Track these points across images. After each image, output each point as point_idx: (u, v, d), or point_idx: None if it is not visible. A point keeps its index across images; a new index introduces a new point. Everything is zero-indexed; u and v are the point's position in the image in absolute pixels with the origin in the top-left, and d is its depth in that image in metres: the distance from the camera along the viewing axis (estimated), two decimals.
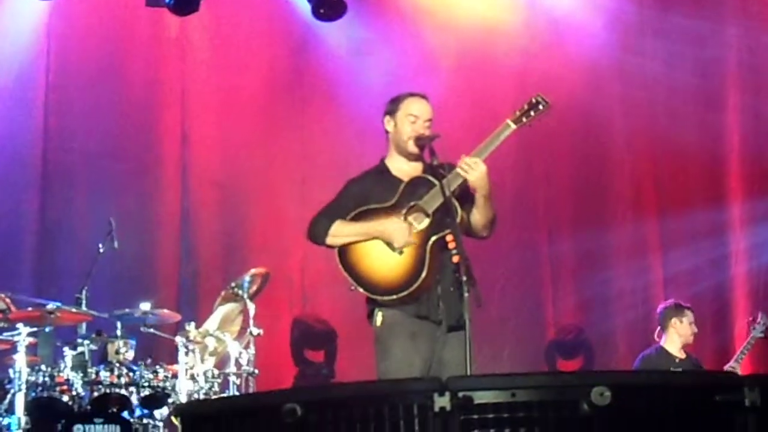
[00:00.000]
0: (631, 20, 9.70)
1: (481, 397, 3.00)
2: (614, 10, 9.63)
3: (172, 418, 7.06)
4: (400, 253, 5.06)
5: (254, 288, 7.53)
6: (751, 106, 9.67)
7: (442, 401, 2.96)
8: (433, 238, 5.02)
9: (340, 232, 5.17)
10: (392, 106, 5.34)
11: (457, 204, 5.01)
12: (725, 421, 3.09)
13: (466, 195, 5.15)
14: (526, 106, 5.11)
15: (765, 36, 9.64)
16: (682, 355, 7.86)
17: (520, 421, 2.99)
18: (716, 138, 9.71)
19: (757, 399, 3.08)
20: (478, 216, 5.16)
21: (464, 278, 4.74)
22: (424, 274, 5.01)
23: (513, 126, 5.07)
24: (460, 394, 2.98)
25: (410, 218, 5.10)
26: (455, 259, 4.86)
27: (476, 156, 5.02)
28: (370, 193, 5.23)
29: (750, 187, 9.67)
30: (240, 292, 7.48)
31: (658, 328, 8.01)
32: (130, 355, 7.25)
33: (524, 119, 5.09)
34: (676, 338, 7.89)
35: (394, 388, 3.13)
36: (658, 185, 9.83)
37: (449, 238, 4.94)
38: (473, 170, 4.97)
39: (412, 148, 5.24)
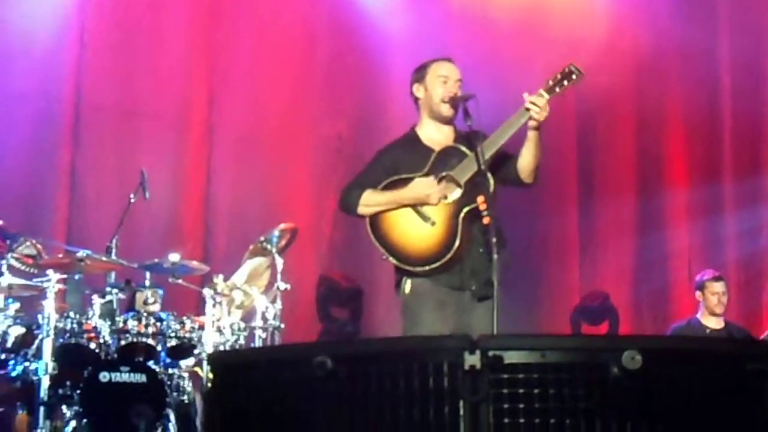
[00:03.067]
0: None
1: (511, 357, 2.99)
2: None
3: (198, 369, 7.14)
4: (432, 224, 5.05)
5: (283, 243, 7.56)
6: None
7: (472, 359, 2.95)
8: (466, 209, 5.01)
9: (371, 201, 5.16)
10: (420, 73, 5.32)
11: (489, 174, 4.98)
12: (755, 390, 3.08)
13: (499, 163, 5.11)
14: (559, 76, 5.03)
15: None
16: (718, 325, 7.89)
17: (549, 382, 2.98)
18: (751, 110, 9.61)
19: None
20: (527, 159, 5.10)
21: (494, 240, 4.72)
22: (456, 245, 5.00)
23: (546, 95, 5.00)
24: (491, 353, 2.97)
25: (442, 186, 5.09)
26: (485, 220, 4.84)
27: (508, 126, 4.98)
28: (401, 163, 5.21)
29: None
30: (268, 246, 7.51)
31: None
32: (158, 305, 7.31)
33: (557, 89, 5.02)
34: (704, 310, 7.96)
35: (425, 345, 3.13)
36: (691, 156, 9.76)
37: (480, 199, 4.90)
38: (543, 110, 4.91)
39: (447, 110, 5.21)
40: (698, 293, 8.00)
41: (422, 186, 5.06)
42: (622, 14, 9.56)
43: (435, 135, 5.28)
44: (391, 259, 5.10)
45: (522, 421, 2.95)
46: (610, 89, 9.16)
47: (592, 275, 9.65)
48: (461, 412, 2.94)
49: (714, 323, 7.90)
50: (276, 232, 7.53)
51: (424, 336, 4.49)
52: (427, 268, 5.03)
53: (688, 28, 9.47)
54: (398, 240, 5.10)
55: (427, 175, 5.10)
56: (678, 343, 3.49)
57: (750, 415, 3.06)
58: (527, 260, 8.95)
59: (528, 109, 4.93)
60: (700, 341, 4.38)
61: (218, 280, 7.23)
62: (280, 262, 7.42)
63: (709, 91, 9.72)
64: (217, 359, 3.33)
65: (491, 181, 4.96)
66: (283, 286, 7.34)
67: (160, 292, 7.28)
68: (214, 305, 7.11)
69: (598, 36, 9.35)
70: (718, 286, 7.95)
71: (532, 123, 4.97)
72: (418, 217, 5.07)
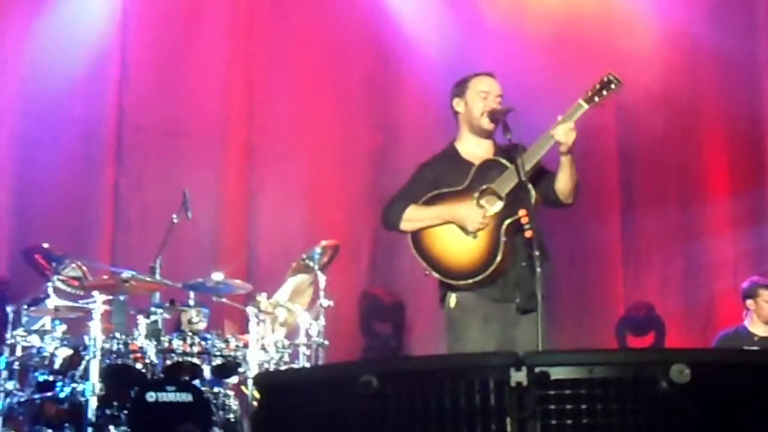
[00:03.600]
0: None
1: (558, 373, 2.97)
2: None
3: (243, 388, 7.16)
4: (474, 237, 5.04)
5: (325, 259, 7.57)
6: None
7: (518, 376, 2.93)
8: (507, 221, 5.00)
9: (414, 216, 5.17)
10: (460, 88, 5.34)
11: (530, 186, 4.96)
12: None
13: (539, 175, 5.10)
14: (597, 86, 5.04)
15: None
16: (766, 333, 7.78)
17: (597, 398, 2.95)
18: None
19: None
20: (563, 182, 5.10)
21: (536, 253, 4.70)
22: (499, 258, 4.98)
23: (585, 106, 5.01)
24: (537, 369, 2.95)
25: (483, 201, 5.08)
26: (528, 234, 4.82)
27: (548, 137, 4.97)
28: (442, 178, 5.22)
29: None
30: (311, 263, 7.52)
31: (744, 308, 7.97)
32: (203, 324, 7.35)
33: (596, 98, 5.03)
34: (754, 317, 7.85)
35: (471, 362, 3.11)
36: (733, 164, 9.66)
37: (522, 212, 4.88)
38: (568, 136, 4.92)
39: (487, 124, 5.22)
40: (749, 301, 7.86)
41: (467, 211, 5.05)
42: (659, 23, 9.47)
43: (475, 149, 5.29)
44: (433, 273, 5.10)
45: None
46: (649, 98, 9.09)
47: (637, 286, 9.56)
48: (508, 429, 2.93)
49: (762, 331, 7.79)
50: (318, 249, 7.54)
51: (470, 353, 4.47)
52: (470, 281, 5.03)
53: (727, 34, 9.38)
54: (440, 254, 5.10)
55: (467, 188, 5.10)
56: (727, 356, 3.45)
57: None
58: (571, 273, 8.91)
59: (556, 133, 4.93)
60: (749, 353, 4.33)
61: (261, 298, 7.26)
62: (322, 278, 7.42)
63: (749, 97, 9.61)
64: (263, 379, 3.34)
65: (532, 194, 4.95)
66: (326, 302, 7.35)
67: (205, 311, 7.32)
68: (257, 323, 7.13)
69: (636, 46, 9.28)
70: None
71: (562, 148, 4.97)
72: (459, 231, 5.07)
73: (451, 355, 4.23)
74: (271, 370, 6.96)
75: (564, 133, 4.92)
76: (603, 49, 9.17)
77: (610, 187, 9.57)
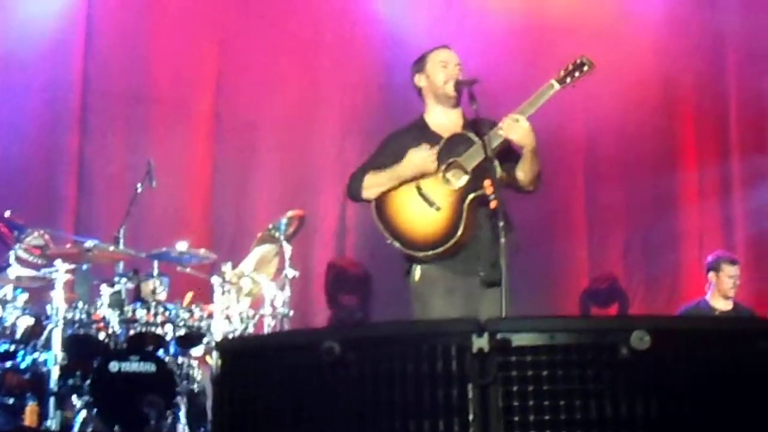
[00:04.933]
0: None
1: (520, 340, 2.97)
2: None
3: (207, 358, 7.14)
4: (437, 209, 5.06)
5: (291, 230, 7.55)
6: None
7: (480, 342, 2.94)
8: (471, 196, 5.01)
9: (373, 182, 5.18)
10: (419, 64, 5.38)
11: (497, 162, 4.97)
12: (767, 368, 3.06)
13: (507, 152, 5.11)
14: (570, 66, 5.10)
15: None
16: (726, 307, 7.85)
17: (558, 364, 2.96)
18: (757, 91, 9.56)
19: None
20: (523, 171, 5.13)
21: (501, 224, 4.71)
22: (461, 230, 5.00)
23: (557, 86, 5.06)
24: (499, 336, 2.95)
25: (448, 174, 5.08)
26: (492, 204, 4.83)
27: (520, 113, 4.99)
28: (408, 149, 5.21)
29: None
30: (276, 233, 7.50)
31: (707, 282, 8.03)
32: (165, 294, 7.31)
33: (568, 79, 5.08)
34: (716, 291, 7.91)
35: (433, 328, 3.11)
36: (698, 134, 9.72)
37: (487, 183, 4.90)
38: (515, 129, 4.94)
39: (451, 90, 5.22)
40: (711, 274, 7.93)
41: (417, 155, 5.06)
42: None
43: (443, 119, 5.29)
44: (395, 243, 5.10)
45: (531, 403, 2.94)
46: (615, 73, 9.11)
47: (601, 258, 9.60)
48: (470, 395, 2.93)
49: (723, 305, 7.86)
50: (284, 219, 7.52)
51: (432, 320, 4.48)
52: (430, 252, 5.04)
53: (695, 8, 9.44)
54: (403, 224, 5.11)
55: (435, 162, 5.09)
56: (687, 323, 3.46)
57: (762, 394, 3.04)
58: (534, 244, 8.90)
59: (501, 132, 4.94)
60: (709, 320, 4.37)
61: (226, 268, 7.23)
62: (288, 249, 7.40)
63: (716, 70, 9.66)
64: (226, 346, 3.34)
65: (498, 169, 4.96)
66: (291, 273, 7.33)
67: (166, 280, 7.28)
68: (222, 293, 7.11)
69: (603, 26, 9.30)
70: (734, 269, 7.90)
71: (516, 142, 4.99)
72: (423, 202, 5.08)
73: (413, 322, 4.24)
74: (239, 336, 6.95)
75: (519, 137, 4.94)
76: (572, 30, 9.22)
77: (575, 156, 9.59)
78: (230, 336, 6.97)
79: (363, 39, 9.33)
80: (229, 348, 3.27)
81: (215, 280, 7.13)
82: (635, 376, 2.97)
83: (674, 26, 9.46)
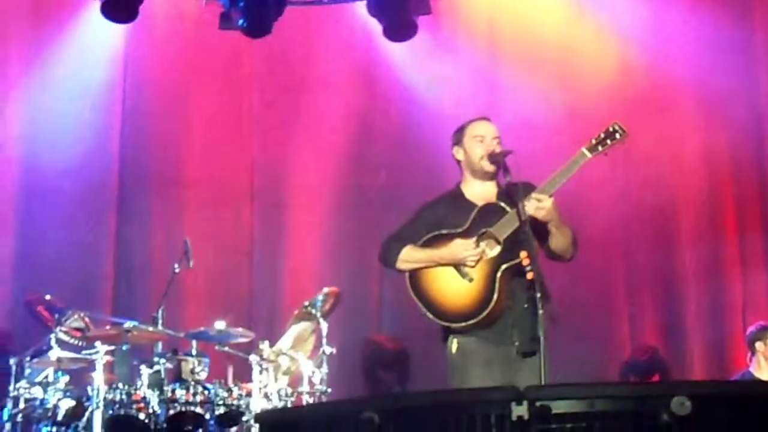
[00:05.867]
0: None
1: (559, 407, 2.98)
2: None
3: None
4: (470, 280, 5.07)
5: (327, 307, 7.57)
6: None
7: (519, 410, 2.94)
8: (504, 266, 5.01)
9: (411, 257, 5.21)
10: (457, 136, 5.41)
11: (530, 231, 4.97)
12: None
13: (540, 228, 5.12)
14: (602, 135, 5.09)
15: None
16: None
17: (598, 431, 2.96)
18: None
19: None
20: (554, 243, 5.16)
21: (538, 295, 4.71)
22: (494, 302, 5.00)
23: (589, 155, 5.06)
24: (538, 404, 2.96)
25: (481, 244, 5.10)
26: (529, 276, 4.82)
27: (550, 184, 4.99)
28: (443, 218, 5.26)
29: None
30: (313, 311, 7.51)
31: (749, 353, 7.91)
32: (205, 374, 7.32)
33: (600, 148, 5.08)
34: (762, 362, 7.77)
35: (472, 397, 3.12)
36: (738, 204, 9.66)
37: (523, 254, 4.89)
38: (538, 209, 4.96)
39: (487, 166, 5.25)
40: (758, 344, 7.81)
41: (460, 248, 5.09)
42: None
43: (478, 190, 5.33)
44: (429, 315, 5.11)
45: None
46: (650, 134, 9.15)
47: (642, 329, 9.51)
48: None
49: None
50: (320, 297, 7.55)
51: (471, 388, 4.46)
52: (464, 324, 5.05)
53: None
54: (436, 296, 5.13)
55: (467, 231, 5.12)
56: (728, 388, 3.44)
57: None
58: (574, 315, 8.86)
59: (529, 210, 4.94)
60: (750, 385, 4.31)
61: (264, 346, 7.25)
62: (324, 326, 7.41)
63: (755, 141, 9.64)
64: (265, 418, 3.34)
65: (532, 238, 4.96)
66: (328, 350, 7.33)
67: (206, 360, 7.30)
68: (260, 371, 7.13)
69: (636, 81, 9.36)
70: None
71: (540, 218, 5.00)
72: (456, 273, 5.09)
73: (453, 390, 4.23)
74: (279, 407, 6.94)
75: (543, 216, 4.96)
76: (604, 87, 9.28)
77: (615, 225, 9.54)
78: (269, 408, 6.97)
79: (397, 114, 9.40)
80: (268, 420, 3.28)
81: (253, 358, 7.15)
82: None
83: (709, 94, 9.46)
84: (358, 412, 2.96)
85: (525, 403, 2.95)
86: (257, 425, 3.24)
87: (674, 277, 9.49)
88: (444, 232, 5.18)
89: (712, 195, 9.65)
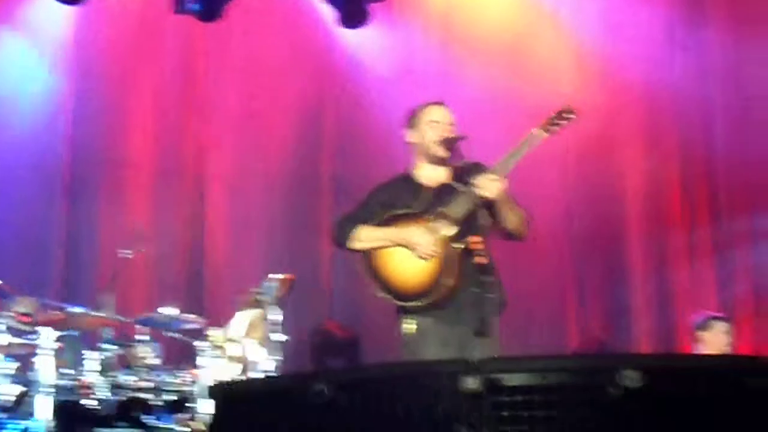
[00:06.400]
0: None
1: (511, 380, 2.98)
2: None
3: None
4: (425, 259, 5.08)
5: (279, 293, 7.51)
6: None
7: (471, 382, 2.94)
8: (458, 245, 5.05)
9: (365, 236, 5.22)
10: (412, 119, 5.43)
11: (484, 210, 5.02)
12: (755, 406, 3.07)
13: (494, 203, 5.16)
14: (553, 116, 5.18)
15: None
16: None
17: (550, 404, 2.97)
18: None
19: None
20: (508, 222, 5.20)
21: (489, 279, 4.74)
22: (447, 281, 5.05)
23: (539, 135, 5.13)
24: (490, 376, 2.96)
25: (436, 224, 5.12)
26: (480, 260, 4.86)
27: (503, 164, 5.04)
28: (397, 199, 5.29)
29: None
30: (265, 297, 7.47)
31: (694, 342, 7.99)
32: (153, 360, 7.26)
33: (551, 128, 5.15)
34: (707, 351, 7.85)
35: (424, 369, 3.12)
36: (686, 196, 9.77)
37: (475, 239, 4.93)
38: (490, 188, 4.98)
39: (440, 151, 5.28)
40: (701, 333, 7.89)
41: (415, 234, 5.09)
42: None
43: (431, 173, 5.36)
44: (383, 294, 5.12)
45: None
46: (605, 131, 9.23)
47: (590, 319, 9.58)
48: None
49: None
50: (273, 283, 7.49)
51: (423, 360, 4.48)
52: (418, 303, 5.07)
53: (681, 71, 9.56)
54: (391, 274, 5.15)
55: (422, 211, 5.14)
56: (678, 361, 3.48)
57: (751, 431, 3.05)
58: (520, 306, 8.89)
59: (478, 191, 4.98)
60: (700, 358, 4.36)
61: (214, 332, 7.21)
62: (276, 313, 7.38)
63: (703, 133, 9.76)
64: (218, 391, 3.32)
65: (485, 218, 5.00)
66: (280, 337, 7.30)
67: (156, 346, 7.24)
68: (210, 358, 7.08)
69: (589, 77, 9.43)
70: (726, 326, 7.90)
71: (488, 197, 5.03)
72: (411, 252, 5.10)
73: (404, 363, 4.24)
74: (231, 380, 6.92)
75: (487, 189, 4.98)
76: (555, 78, 9.35)
77: (562, 217, 9.61)
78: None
79: (350, 101, 9.39)
80: (221, 393, 3.26)
81: (203, 344, 7.11)
82: (627, 414, 2.97)
83: (660, 88, 9.56)
84: (310, 385, 2.95)
85: (477, 375, 2.95)
86: (211, 399, 3.21)
87: (621, 268, 9.58)
88: (399, 212, 5.21)
89: (660, 186, 9.75)
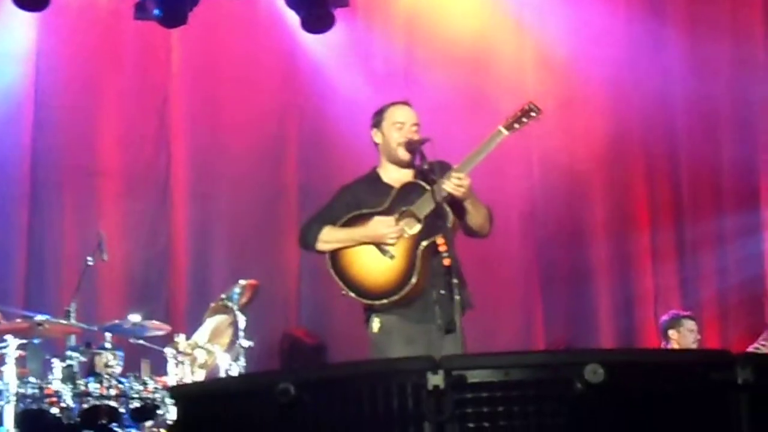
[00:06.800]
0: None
1: (475, 376, 2.99)
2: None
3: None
4: (391, 257, 5.12)
5: (244, 299, 7.50)
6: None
7: (435, 379, 2.94)
8: (424, 243, 5.08)
9: (330, 237, 5.23)
10: (377, 118, 5.43)
11: (448, 209, 5.05)
12: (719, 399, 3.09)
13: (457, 204, 5.18)
14: (518, 113, 5.22)
15: None
16: None
17: (514, 400, 2.97)
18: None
19: (750, 377, 3.08)
20: (472, 220, 5.22)
21: (455, 281, 4.77)
22: (414, 279, 5.06)
23: (505, 132, 5.17)
24: (454, 373, 2.97)
25: (401, 223, 5.16)
26: (446, 262, 4.91)
27: (468, 162, 5.07)
28: (362, 199, 5.31)
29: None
30: (230, 303, 7.45)
31: (663, 341, 8.05)
32: (119, 367, 7.22)
33: (516, 125, 5.20)
34: (676, 348, 7.91)
35: (388, 367, 3.13)
36: (650, 197, 9.83)
37: (440, 241, 4.98)
38: (457, 188, 5.01)
39: (403, 154, 5.31)
40: (671, 332, 7.96)
41: (380, 225, 5.14)
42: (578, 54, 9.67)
43: (395, 174, 5.38)
44: (350, 293, 5.14)
45: None
46: (569, 131, 9.29)
47: (556, 319, 9.61)
48: None
49: None
50: (237, 289, 7.48)
51: (387, 359, 4.49)
52: (385, 301, 5.10)
53: (647, 69, 9.63)
54: (357, 274, 5.17)
55: (387, 210, 5.17)
56: (640, 356, 3.50)
57: (716, 425, 3.07)
58: (486, 307, 8.91)
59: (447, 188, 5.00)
60: (663, 353, 4.39)
61: (180, 339, 7.19)
62: (242, 319, 7.36)
63: (667, 133, 9.83)
64: (181, 392, 3.31)
65: (450, 217, 5.03)
66: (245, 343, 7.28)
67: (121, 353, 7.20)
68: (176, 365, 7.06)
69: (553, 79, 9.49)
70: (694, 324, 7.98)
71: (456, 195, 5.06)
72: (377, 251, 5.13)
73: (369, 361, 4.24)
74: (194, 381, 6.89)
75: (461, 194, 5.01)
76: (518, 80, 9.41)
77: (530, 217, 9.63)
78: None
79: (315, 107, 9.39)
80: (184, 393, 3.25)
81: (169, 351, 7.08)
82: (591, 409, 2.99)
83: (623, 89, 9.63)
84: (275, 384, 2.94)
85: (441, 372, 2.95)
86: (172, 399, 3.19)
87: (586, 269, 9.62)
88: (364, 211, 5.25)
89: (624, 187, 9.81)
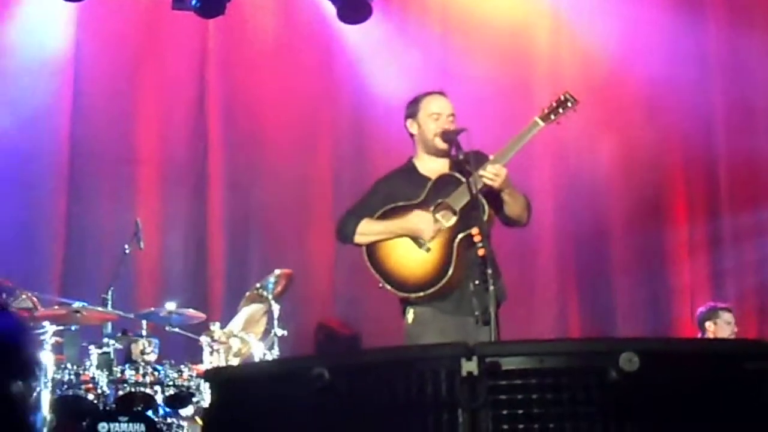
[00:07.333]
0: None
1: (509, 363, 2.99)
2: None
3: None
4: (428, 250, 5.11)
5: (279, 288, 7.54)
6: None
7: (469, 366, 2.94)
8: (460, 235, 5.07)
9: (368, 230, 5.23)
10: (412, 109, 5.41)
11: (484, 201, 5.03)
12: (755, 389, 3.07)
13: (493, 195, 5.16)
14: (554, 104, 5.20)
15: None
16: None
17: (547, 387, 2.97)
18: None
19: None
20: (509, 209, 5.20)
21: (489, 271, 4.75)
22: (451, 271, 5.05)
23: (541, 123, 5.17)
24: (488, 360, 2.96)
25: (437, 215, 5.15)
26: (480, 252, 4.87)
27: (505, 153, 5.07)
28: (398, 192, 5.29)
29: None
30: (264, 293, 7.49)
31: (699, 333, 8.00)
32: (155, 354, 7.28)
33: (552, 116, 5.19)
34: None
35: (422, 353, 3.12)
36: (689, 189, 9.76)
37: (475, 231, 4.95)
38: (496, 179, 5.00)
39: (440, 144, 5.28)
40: (708, 323, 7.91)
41: (418, 220, 5.13)
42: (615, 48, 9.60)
43: (431, 165, 5.37)
44: (387, 286, 5.13)
45: (521, 426, 2.95)
46: (601, 125, 9.23)
47: (590, 315, 9.56)
48: (460, 419, 2.93)
49: None
50: (272, 278, 7.52)
51: (421, 345, 4.49)
52: (422, 294, 5.08)
53: (681, 64, 9.55)
54: (394, 267, 5.16)
55: (423, 202, 5.15)
56: (676, 345, 3.49)
57: (750, 414, 3.05)
58: (521, 298, 8.89)
59: (485, 180, 5.00)
60: (698, 342, 4.37)
61: (215, 327, 7.23)
62: (276, 308, 7.39)
63: (704, 128, 9.74)
64: (215, 375, 3.33)
65: (486, 209, 5.01)
66: (280, 332, 7.31)
67: (156, 341, 7.26)
68: (211, 353, 7.11)
69: (589, 70, 9.43)
70: (731, 316, 7.93)
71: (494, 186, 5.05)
72: (413, 243, 5.12)
73: (403, 347, 4.23)
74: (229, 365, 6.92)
75: (492, 177, 5.00)
76: (555, 71, 9.36)
77: (562, 212, 9.57)
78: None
79: (350, 89, 9.39)
80: (218, 378, 3.26)
81: (204, 339, 7.13)
82: (624, 398, 2.98)
83: (661, 84, 9.55)
84: (309, 368, 2.95)
85: (475, 359, 2.95)
86: (206, 382, 3.21)
87: (622, 262, 9.55)
88: (400, 204, 5.23)
89: (661, 180, 9.73)
